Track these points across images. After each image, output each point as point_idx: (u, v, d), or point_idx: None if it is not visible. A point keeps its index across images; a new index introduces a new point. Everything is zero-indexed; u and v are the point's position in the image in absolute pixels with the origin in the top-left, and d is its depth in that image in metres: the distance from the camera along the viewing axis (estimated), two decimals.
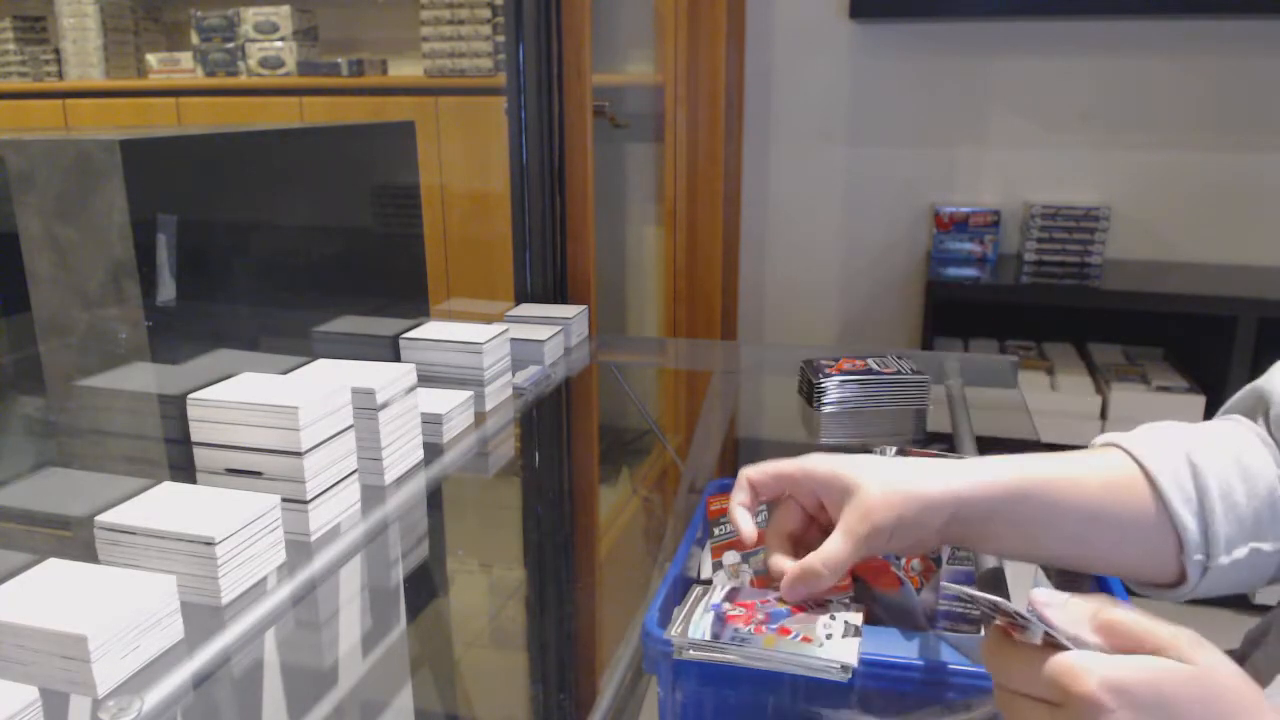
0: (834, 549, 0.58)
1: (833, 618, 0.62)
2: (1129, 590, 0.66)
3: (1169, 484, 0.59)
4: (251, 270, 0.94)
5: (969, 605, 0.67)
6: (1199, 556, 0.58)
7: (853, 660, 0.57)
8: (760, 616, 0.62)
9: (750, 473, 0.64)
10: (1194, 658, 0.43)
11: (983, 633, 0.61)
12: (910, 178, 2.70)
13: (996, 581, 0.65)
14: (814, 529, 0.64)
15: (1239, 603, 1.84)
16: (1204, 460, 0.60)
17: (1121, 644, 0.44)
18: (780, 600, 0.64)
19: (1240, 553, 0.58)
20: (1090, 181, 2.59)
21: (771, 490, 0.64)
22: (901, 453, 0.91)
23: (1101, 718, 0.41)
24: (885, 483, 0.58)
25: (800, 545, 0.63)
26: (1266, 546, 0.59)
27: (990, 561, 0.68)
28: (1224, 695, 0.42)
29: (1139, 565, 0.61)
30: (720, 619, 0.63)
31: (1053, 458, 0.61)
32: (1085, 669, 0.42)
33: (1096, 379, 2.40)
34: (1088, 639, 0.45)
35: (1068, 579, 0.78)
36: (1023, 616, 0.46)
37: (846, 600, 0.70)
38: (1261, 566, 0.60)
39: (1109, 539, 0.59)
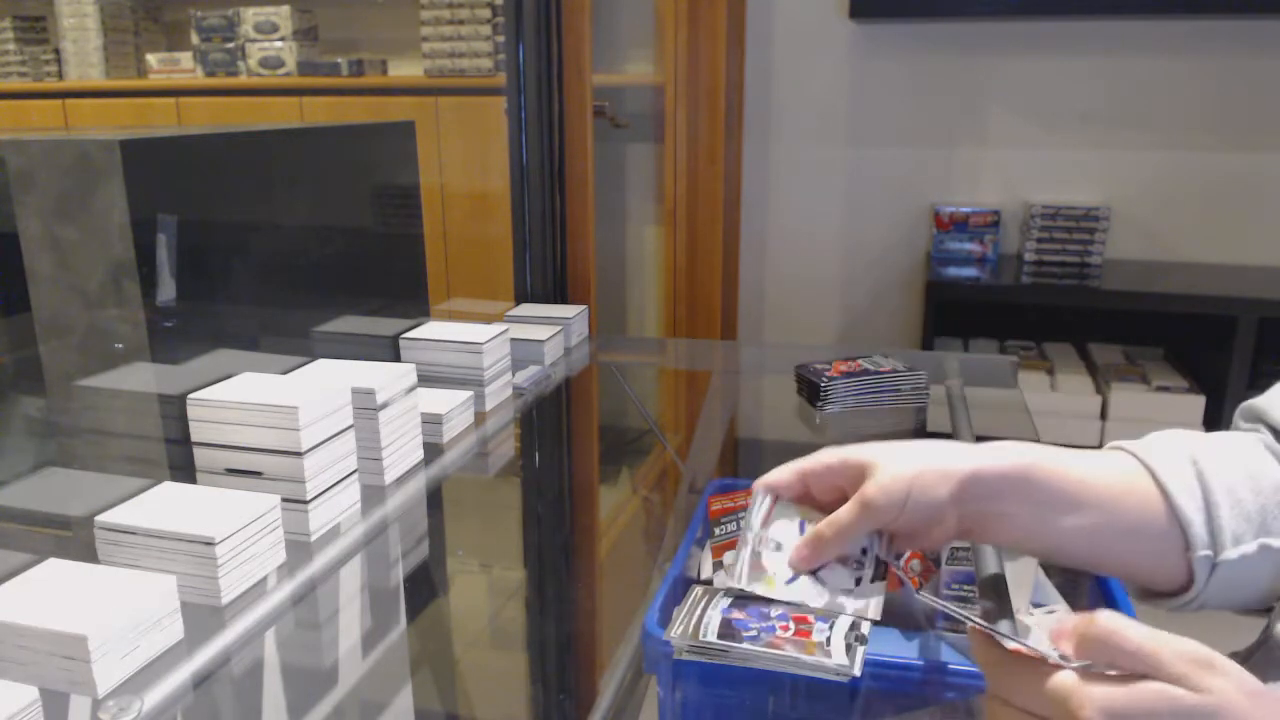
0: (842, 513, 0.59)
1: (836, 623, 0.62)
2: (1133, 599, 0.65)
3: (1172, 479, 0.59)
4: (251, 270, 0.94)
5: (969, 605, 0.67)
6: (1205, 552, 0.57)
7: (855, 669, 0.57)
8: (769, 620, 0.62)
9: (769, 479, 0.64)
10: (1204, 683, 0.41)
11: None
12: (910, 178, 2.70)
13: (997, 587, 0.65)
14: None
15: None
16: (1207, 459, 0.60)
17: (1123, 662, 0.43)
18: (788, 603, 0.63)
19: (1249, 548, 0.57)
20: (1090, 181, 2.59)
21: (795, 489, 0.64)
22: None
23: None
24: (898, 455, 0.59)
25: None
26: (1277, 543, 0.58)
27: (991, 567, 0.68)
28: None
29: (1147, 566, 0.60)
30: (728, 621, 0.63)
31: (1062, 450, 0.61)
32: (1085, 696, 0.42)
33: (1096, 379, 2.40)
34: (1075, 654, 0.44)
35: (1069, 581, 0.78)
36: (1003, 635, 0.46)
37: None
38: (1272, 567, 0.59)
39: (1116, 531, 0.58)
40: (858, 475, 0.60)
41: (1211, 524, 0.58)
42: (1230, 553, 0.58)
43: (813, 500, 0.63)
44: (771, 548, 0.62)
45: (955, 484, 0.57)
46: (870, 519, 0.58)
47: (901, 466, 0.58)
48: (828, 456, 0.62)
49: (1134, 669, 0.42)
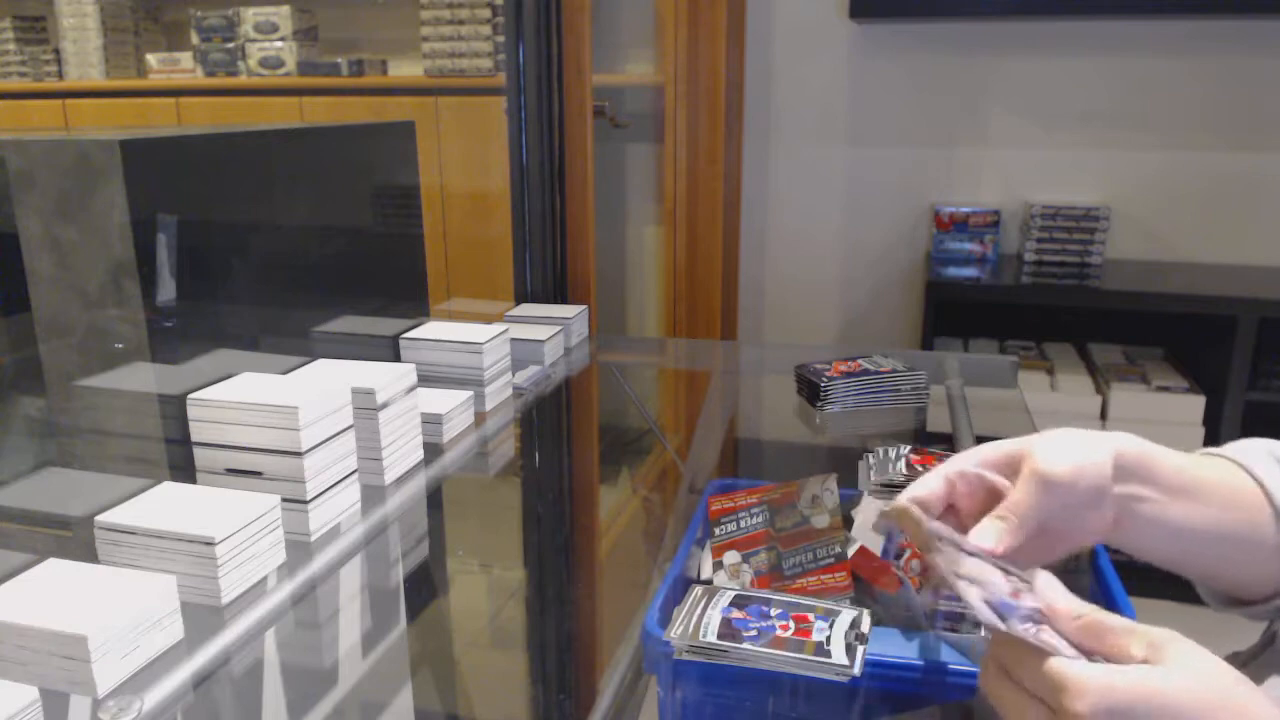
0: (1018, 494, 0.54)
1: (836, 623, 0.62)
2: (1215, 606, 0.65)
3: (1268, 475, 0.59)
4: (251, 270, 0.94)
5: (967, 605, 0.67)
6: None
7: (855, 669, 0.57)
8: (769, 620, 0.62)
9: (915, 495, 0.57)
10: (1180, 662, 0.43)
11: (982, 631, 0.61)
12: (910, 178, 2.70)
13: None
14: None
15: None
16: None
17: (1105, 648, 0.45)
18: (788, 602, 0.63)
19: None
20: (1090, 181, 2.59)
21: (941, 502, 0.57)
22: (915, 452, 0.92)
23: None
24: (1051, 437, 0.57)
25: None
26: None
27: None
28: (1221, 707, 0.42)
29: (1249, 567, 0.59)
30: (728, 621, 0.63)
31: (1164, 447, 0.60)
32: (1081, 688, 0.43)
33: (1096, 379, 2.40)
34: (1068, 645, 0.45)
35: (1069, 581, 0.78)
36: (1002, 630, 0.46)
37: (848, 599, 0.70)
38: None
39: (1231, 525, 0.58)
40: (1009, 465, 0.56)
41: None
42: None
43: (955, 517, 0.58)
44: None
45: (1110, 461, 0.55)
46: (1050, 494, 0.54)
47: (1060, 445, 0.55)
48: (967, 455, 0.58)
49: (1109, 651, 0.45)
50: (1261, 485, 0.59)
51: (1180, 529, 0.57)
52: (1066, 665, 0.44)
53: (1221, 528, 0.58)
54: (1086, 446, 0.56)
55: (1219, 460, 0.62)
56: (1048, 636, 0.45)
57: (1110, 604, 0.76)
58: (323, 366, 1.00)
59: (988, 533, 0.53)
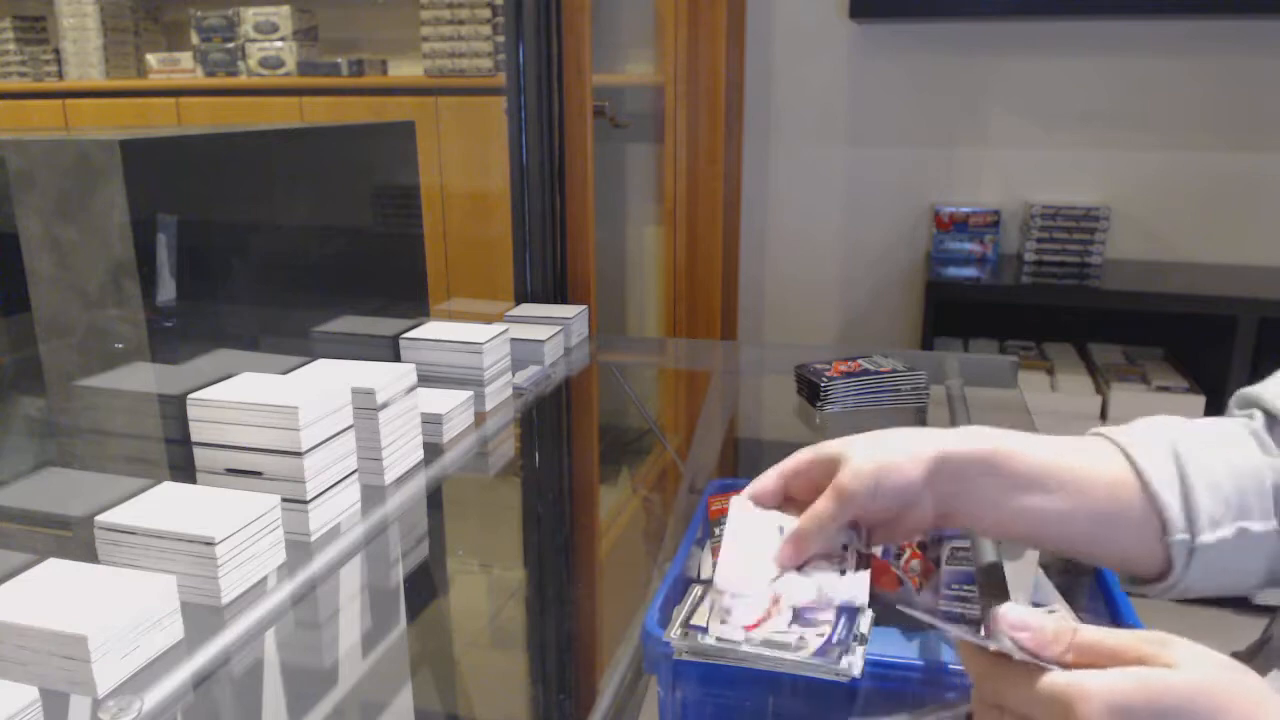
0: (819, 505, 0.60)
1: (839, 624, 0.61)
2: (1123, 586, 0.65)
3: (1149, 463, 0.59)
4: (251, 270, 0.94)
5: (968, 605, 0.67)
6: (1182, 536, 0.57)
7: (855, 670, 0.57)
8: (767, 618, 0.62)
9: (749, 489, 0.64)
10: (1164, 656, 0.42)
11: (981, 631, 0.61)
12: (910, 178, 2.70)
13: (995, 577, 0.65)
14: None
15: (1240, 603, 1.83)
16: (1186, 443, 0.60)
17: (1101, 663, 0.44)
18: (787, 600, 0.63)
19: (1226, 532, 0.57)
20: (1090, 181, 2.59)
21: (776, 496, 0.64)
22: None
23: None
24: (868, 443, 0.61)
25: None
26: (1256, 527, 0.58)
27: (989, 556, 0.68)
28: (1229, 702, 0.41)
29: (1124, 552, 0.60)
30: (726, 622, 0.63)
31: (1034, 435, 0.62)
32: (1085, 693, 0.41)
33: (1096, 379, 2.40)
34: (1064, 660, 0.44)
35: (1069, 580, 0.78)
36: (984, 641, 0.45)
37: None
38: (1252, 552, 0.59)
39: (1088, 514, 0.58)
40: (831, 468, 0.61)
41: (1188, 508, 0.58)
42: (1207, 536, 0.57)
43: (794, 504, 0.63)
44: (752, 552, 0.62)
45: (925, 465, 0.58)
46: (846, 506, 0.59)
47: (871, 453, 0.59)
48: (802, 453, 0.63)
49: (1096, 663, 0.43)
50: (1134, 465, 0.59)
51: (1028, 514, 0.58)
52: (1063, 676, 0.43)
53: (1078, 511, 0.58)
54: (896, 451, 0.59)
55: (1099, 441, 0.62)
56: (1028, 652, 0.44)
57: (1110, 603, 0.76)
58: (323, 366, 1.00)
59: (791, 543, 0.60)
